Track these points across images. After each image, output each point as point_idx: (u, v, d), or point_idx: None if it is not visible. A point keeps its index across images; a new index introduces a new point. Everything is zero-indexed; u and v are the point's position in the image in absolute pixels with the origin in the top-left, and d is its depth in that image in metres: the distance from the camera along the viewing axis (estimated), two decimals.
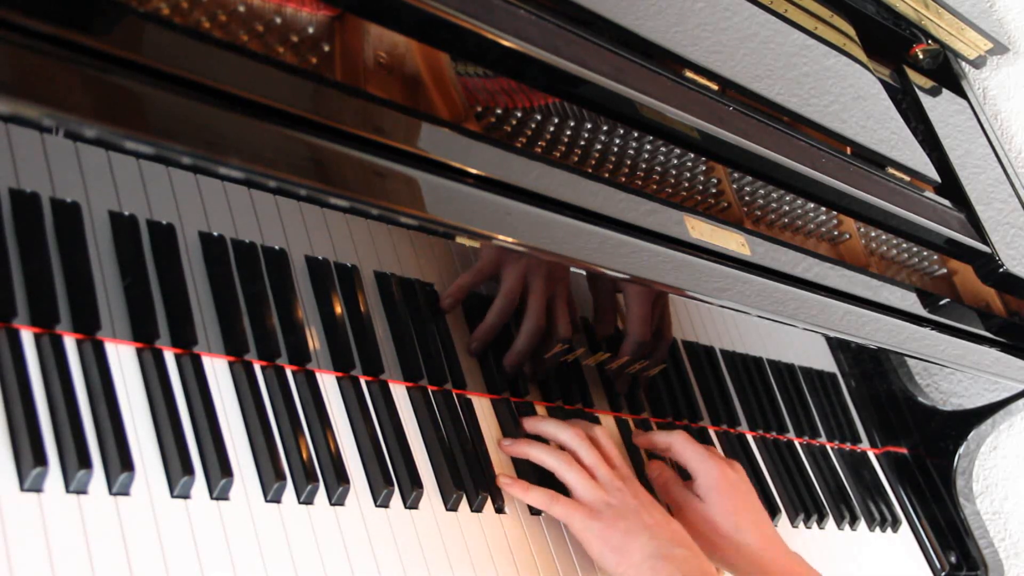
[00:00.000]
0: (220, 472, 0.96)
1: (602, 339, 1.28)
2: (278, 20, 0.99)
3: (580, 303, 1.25)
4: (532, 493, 1.18)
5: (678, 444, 1.32)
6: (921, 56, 1.81)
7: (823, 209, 1.44)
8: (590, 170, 1.19)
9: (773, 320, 1.27)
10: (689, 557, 1.15)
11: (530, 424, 1.24)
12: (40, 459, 0.86)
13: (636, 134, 1.25)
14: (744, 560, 1.26)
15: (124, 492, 0.91)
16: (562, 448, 1.23)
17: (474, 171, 1.02)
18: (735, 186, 1.35)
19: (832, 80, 1.49)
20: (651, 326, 1.29)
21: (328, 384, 1.10)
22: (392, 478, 1.09)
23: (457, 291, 1.16)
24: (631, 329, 1.28)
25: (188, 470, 0.94)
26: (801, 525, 1.50)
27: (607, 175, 1.20)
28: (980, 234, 1.60)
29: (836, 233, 1.47)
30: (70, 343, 0.93)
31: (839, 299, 1.36)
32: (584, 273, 1.17)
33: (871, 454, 1.73)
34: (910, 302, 1.47)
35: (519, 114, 1.16)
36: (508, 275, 1.16)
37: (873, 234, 1.53)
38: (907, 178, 1.56)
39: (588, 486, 1.18)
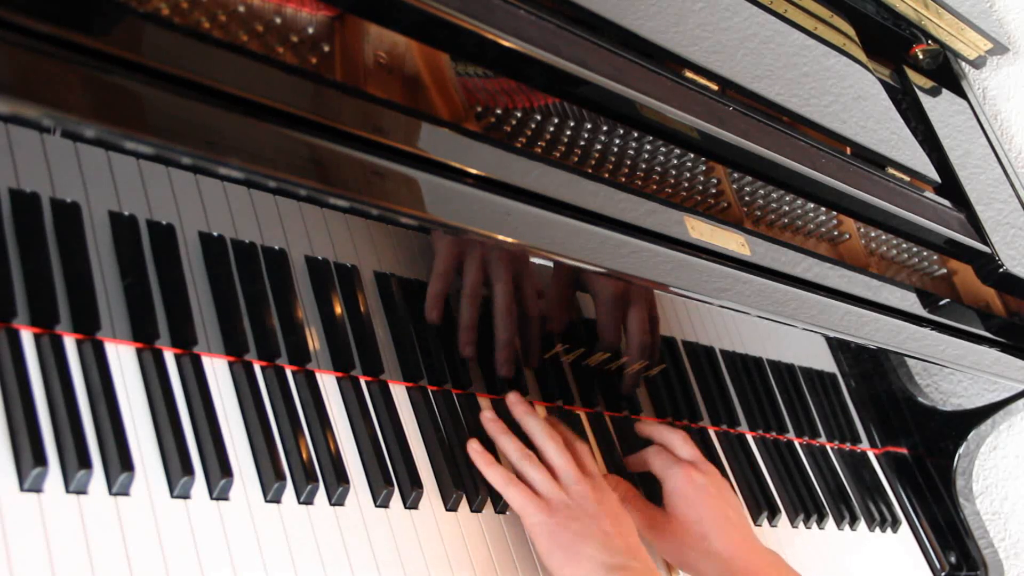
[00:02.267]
0: (220, 472, 0.96)
1: (567, 334, 1.27)
2: (278, 20, 0.99)
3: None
4: (492, 470, 1.15)
5: (648, 455, 1.30)
6: (921, 56, 1.81)
7: (823, 209, 1.44)
8: (590, 170, 1.19)
9: (773, 320, 1.27)
10: (642, 573, 1.11)
11: (519, 409, 1.21)
12: (40, 459, 0.86)
13: (636, 134, 1.25)
14: (713, 568, 1.23)
15: (124, 492, 0.91)
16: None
17: (474, 171, 1.02)
18: (735, 186, 1.35)
19: (832, 80, 1.49)
20: (620, 324, 1.27)
21: (328, 384, 1.10)
22: (392, 478, 1.09)
23: (433, 300, 1.14)
24: (602, 328, 1.26)
25: (188, 470, 0.94)
26: (801, 525, 1.50)
27: (607, 175, 1.20)
28: (980, 234, 1.60)
29: (836, 233, 1.47)
30: (70, 343, 0.93)
31: (839, 299, 1.35)
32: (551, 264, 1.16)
33: (871, 454, 1.73)
34: (910, 302, 1.47)
35: (519, 114, 1.16)
36: (467, 269, 1.13)
37: (873, 234, 1.53)
38: (907, 178, 1.56)
39: (548, 483, 1.15)
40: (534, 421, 1.21)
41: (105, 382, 0.93)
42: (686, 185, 1.29)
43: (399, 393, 1.15)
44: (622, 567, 1.09)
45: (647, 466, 1.31)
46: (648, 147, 1.26)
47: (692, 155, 1.30)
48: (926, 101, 1.73)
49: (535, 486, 1.15)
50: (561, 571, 1.10)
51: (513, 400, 1.23)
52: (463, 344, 1.18)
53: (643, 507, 1.28)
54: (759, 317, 1.25)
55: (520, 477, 1.16)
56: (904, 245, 1.56)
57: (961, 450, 1.72)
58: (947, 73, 1.84)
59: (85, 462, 0.88)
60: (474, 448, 1.16)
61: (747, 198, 1.36)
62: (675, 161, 1.29)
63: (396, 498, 1.09)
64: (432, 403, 1.17)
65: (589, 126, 1.21)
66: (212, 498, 0.96)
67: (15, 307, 0.90)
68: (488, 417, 1.20)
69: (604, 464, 1.32)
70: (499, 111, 1.14)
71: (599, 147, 1.21)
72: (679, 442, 1.32)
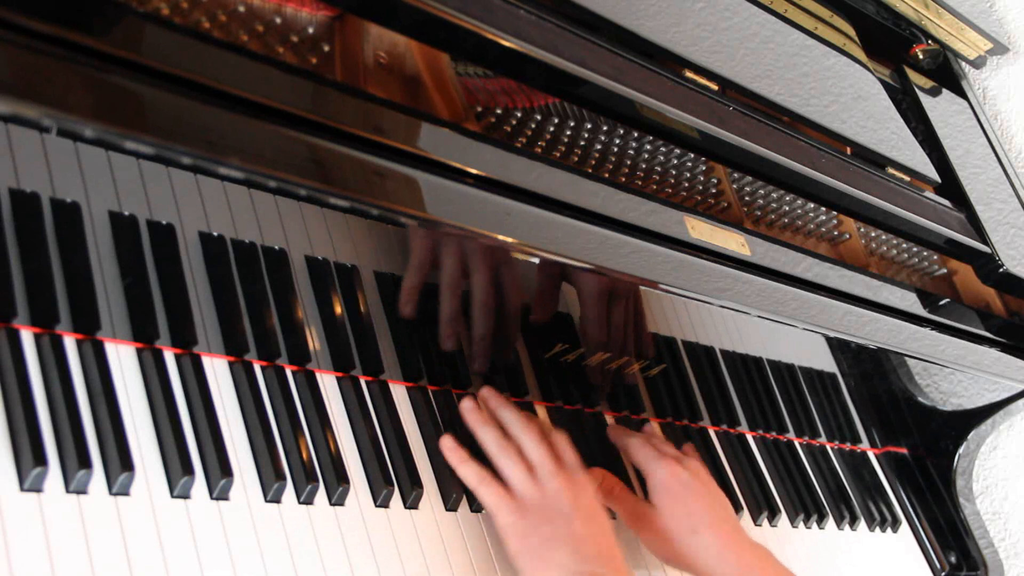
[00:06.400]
0: (220, 472, 0.96)
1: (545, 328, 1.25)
2: (278, 20, 0.99)
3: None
4: (465, 467, 1.12)
5: (632, 447, 1.28)
6: (921, 56, 1.81)
7: (823, 209, 1.44)
8: (590, 170, 1.19)
9: (773, 320, 1.27)
10: None
11: (493, 401, 1.19)
12: (40, 459, 0.86)
13: (636, 134, 1.25)
14: (704, 563, 1.22)
15: (124, 492, 0.91)
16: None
17: (474, 171, 1.02)
18: (735, 186, 1.35)
19: (832, 80, 1.49)
20: (606, 322, 1.26)
21: (328, 384, 1.10)
22: (392, 478, 1.09)
23: (408, 294, 1.12)
24: (586, 323, 1.25)
25: (188, 470, 0.94)
26: (801, 525, 1.50)
27: (607, 175, 1.20)
28: (980, 234, 1.60)
29: (836, 233, 1.47)
30: (70, 343, 0.93)
31: (839, 299, 1.35)
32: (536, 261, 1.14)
33: (871, 454, 1.73)
34: (910, 302, 1.47)
35: (519, 114, 1.16)
36: (445, 264, 1.11)
37: (873, 234, 1.53)
38: (907, 178, 1.56)
39: (523, 479, 1.12)
40: (509, 413, 1.18)
41: (105, 382, 0.93)
42: (686, 185, 1.30)
43: (399, 393, 1.15)
44: (587, 573, 1.07)
45: (630, 459, 1.29)
46: (648, 147, 1.26)
47: (692, 155, 1.30)
48: (926, 101, 1.73)
49: (510, 482, 1.12)
50: (531, 575, 1.08)
51: (487, 394, 1.19)
52: (445, 337, 1.16)
53: (628, 499, 1.26)
54: (759, 317, 1.25)
55: (498, 470, 1.14)
56: (904, 245, 1.56)
57: (961, 450, 1.72)
58: (947, 73, 1.84)
59: (85, 462, 0.88)
60: (446, 444, 1.13)
61: (747, 198, 1.36)
62: (675, 161, 1.29)
63: (396, 498, 1.09)
64: (432, 403, 1.17)
65: (589, 126, 1.21)
66: (212, 498, 0.96)
67: (15, 307, 0.90)
68: (467, 407, 1.17)
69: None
70: (499, 111, 1.14)
71: (599, 147, 1.21)
72: (657, 440, 1.31)
